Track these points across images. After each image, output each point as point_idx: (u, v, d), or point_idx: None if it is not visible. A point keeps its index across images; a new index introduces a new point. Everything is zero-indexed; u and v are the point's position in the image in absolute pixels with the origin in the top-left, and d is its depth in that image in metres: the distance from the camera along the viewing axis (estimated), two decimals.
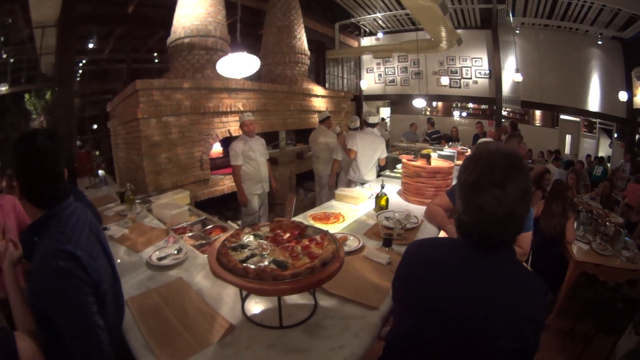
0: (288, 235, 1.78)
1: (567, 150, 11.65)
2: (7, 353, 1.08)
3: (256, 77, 7.02)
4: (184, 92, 5.08)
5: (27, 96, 7.45)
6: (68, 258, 1.21)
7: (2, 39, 7.20)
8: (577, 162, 9.16)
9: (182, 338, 1.51)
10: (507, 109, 11.75)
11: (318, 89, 7.89)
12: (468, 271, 1.10)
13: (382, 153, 4.81)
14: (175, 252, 2.41)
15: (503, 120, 11.20)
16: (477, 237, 1.08)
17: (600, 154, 10.81)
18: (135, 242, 2.61)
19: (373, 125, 4.80)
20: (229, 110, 5.52)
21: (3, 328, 1.43)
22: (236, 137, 4.57)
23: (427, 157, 3.86)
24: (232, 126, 5.64)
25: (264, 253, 1.61)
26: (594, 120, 11.10)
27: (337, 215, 2.99)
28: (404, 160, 3.87)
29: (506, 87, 11.33)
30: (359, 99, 12.77)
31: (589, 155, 10.36)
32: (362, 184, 4.54)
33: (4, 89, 6.92)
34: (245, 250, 1.64)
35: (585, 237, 3.79)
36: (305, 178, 7.27)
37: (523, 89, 11.00)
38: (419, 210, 3.12)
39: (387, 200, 3.16)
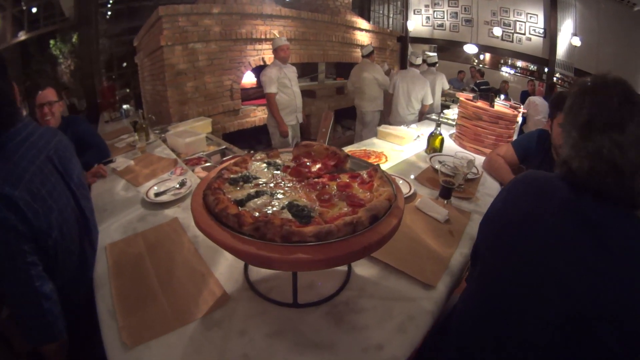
0: (319, 166, 1.11)
1: None
2: None
3: (295, 6, 6.15)
4: (213, 17, 4.48)
5: (52, 42, 6.96)
6: (2, 204, 0.94)
7: None
8: None
9: (158, 305, 1.07)
10: (557, 75, 10.32)
11: (362, 23, 6.90)
12: (585, 236, 0.75)
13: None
14: (177, 186, 1.85)
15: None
16: (593, 188, 0.78)
17: None
18: (138, 174, 2.17)
19: (417, 66, 4.55)
20: (263, 37, 4.86)
21: None
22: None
23: (491, 99, 3.04)
24: (267, 54, 5.00)
25: (277, 191, 0.96)
26: None
27: (379, 154, 2.43)
28: (462, 98, 3.08)
29: (560, 51, 9.80)
30: (404, 40, 11.52)
31: None
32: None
33: (21, 34, 6.48)
34: (251, 184, 1.00)
35: None
36: (344, 115, 6.50)
37: (578, 56, 9.50)
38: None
39: (442, 141, 2.48)
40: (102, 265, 1.28)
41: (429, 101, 4.40)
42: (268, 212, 0.84)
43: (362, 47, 5.44)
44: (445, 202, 1.75)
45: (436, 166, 2.11)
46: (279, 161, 1.15)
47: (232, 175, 1.01)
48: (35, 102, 2.19)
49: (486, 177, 2.19)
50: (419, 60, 4.48)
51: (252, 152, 1.22)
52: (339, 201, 0.91)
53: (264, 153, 1.17)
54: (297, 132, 4.10)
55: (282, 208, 0.86)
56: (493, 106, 2.97)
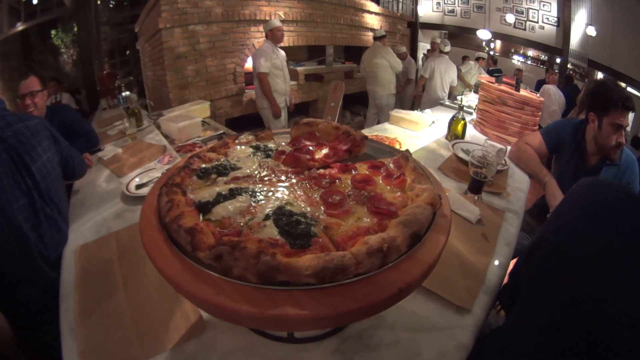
0: (325, 152, 0.79)
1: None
2: None
3: None
4: None
5: (53, 32, 6.77)
6: None
7: None
8: None
9: (123, 328, 0.86)
10: (569, 65, 9.87)
11: (372, 5, 6.42)
12: None
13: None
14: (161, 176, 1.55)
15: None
16: None
17: None
18: (124, 164, 1.91)
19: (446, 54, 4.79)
20: (267, 18, 4.50)
21: None
22: None
23: (516, 83, 2.69)
24: None
25: (260, 190, 0.65)
26: None
27: (392, 140, 2.12)
28: (483, 80, 2.74)
29: (574, 41, 9.34)
30: (414, 25, 11.08)
31: None
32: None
33: (19, 25, 6.26)
34: (227, 177, 0.69)
35: None
36: (353, 100, 6.16)
37: (592, 47, 9.02)
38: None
39: (464, 126, 2.16)
40: (69, 271, 1.07)
41: (455, 82, 4.76)
42: (242, 223, 0.52)
43: (372, 30, 5.17)
44: (476, 197, 1.44)
45: (460, 154, 1.81)
46: (271, 145, 0.83)
47: (203, 165, 0.70)
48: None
49: (514, 169, 1.89)
50: (447, 48, 4.78)
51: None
52: (355, 206, 0.59)
53: (252, 134, 0.85)
54: (286, 116, 3.91)
55: (266, 218, 0.54)
56: (519, 90, 2.64)
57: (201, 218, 0.54)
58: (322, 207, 0.60)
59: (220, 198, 0.59)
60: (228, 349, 0.77)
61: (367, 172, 0.71)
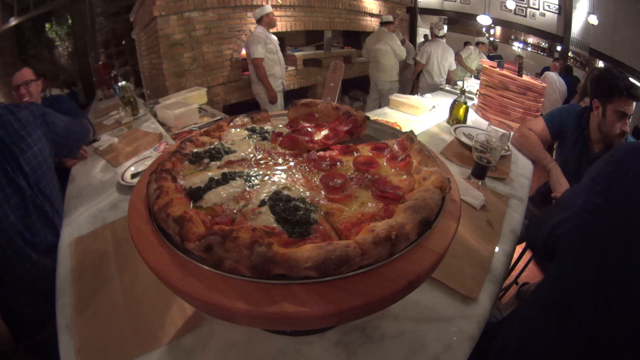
0: (325, 133, 0.75)
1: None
2: None
3: None
4: None
5: (48, 25, 6.70)
6: None
7: None
8: None
9: (119, 323, 0.84)
10: (569, 53, 9.75)
11: None
12: None
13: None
14: None
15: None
16: None
17: None
18: (120, 153, 1.86)
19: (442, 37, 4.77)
20: (264, 4, 4.43)
21: None
22: None
23: (519, 68, 2.63)
24: None
25: (256, 174, 0.60)
26: None
27: (392, 124, 2.02)
28: (485, 65, 2.67)
29: (575, 29, 9.25)
30: (413, 10, 10.97)
31: None
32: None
33: (12, 20, 6.17)
34: (220, 161, 0.64)
35: None
36: (352, 85, 6.08)
37: (593, 36, 8.88)
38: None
39: (466, 110, 2.10)
40: (65, 265, 1.04)
41: (454, 67, 4.68)
42: (235, 210, 0.48)
43: (371, 14, 5.08)
44: (480, 183, 1.40)
45: (462, 139, 1.77)
46: (267, 127, 0.78)
47: (195, 149, 0.65)
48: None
49: (517, 155, 1.85)
50: (442, 32, 4.74)
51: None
52: (359, 190, 0.54)
53: (247, 116, 0.79)
54: (283, 101, 3.89)
55: (262, 203, 0.49)
56: (521, 75, 2.58)
57: (191, 205, 0.49)
58: (322, 192, 0.55)
59: (212, 183, 0.54)
60: (225, 343, 0.74)
61: (370, 154, 0.66)
